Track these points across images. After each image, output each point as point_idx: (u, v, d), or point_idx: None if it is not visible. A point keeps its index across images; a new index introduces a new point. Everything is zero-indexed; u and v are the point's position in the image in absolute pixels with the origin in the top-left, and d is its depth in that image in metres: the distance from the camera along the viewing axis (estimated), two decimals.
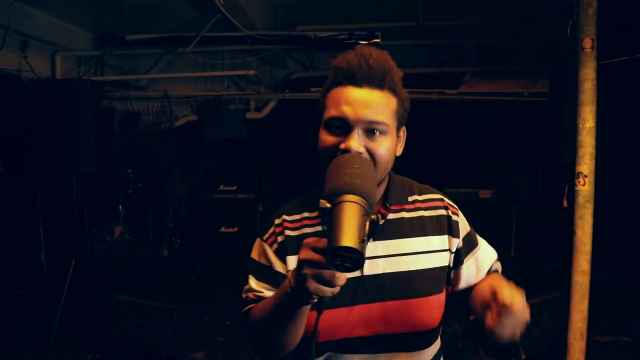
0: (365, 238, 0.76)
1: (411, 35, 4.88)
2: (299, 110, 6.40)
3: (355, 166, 0.87)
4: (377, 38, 4.43)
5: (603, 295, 3.94)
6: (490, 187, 5.92)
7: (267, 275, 1.09)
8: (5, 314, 4.02)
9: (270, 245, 1.11)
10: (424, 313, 1.06)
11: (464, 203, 5.00)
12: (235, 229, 5.62)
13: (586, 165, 2.70)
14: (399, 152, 1.09)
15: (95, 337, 3.38)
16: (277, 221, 1.12)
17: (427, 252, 1.09)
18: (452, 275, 1.14)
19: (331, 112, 1.00)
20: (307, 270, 0.80)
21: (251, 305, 1.07)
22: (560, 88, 3.36)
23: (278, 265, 1.08)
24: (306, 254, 0.81)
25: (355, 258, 0.74)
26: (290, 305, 0.89)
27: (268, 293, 1.07)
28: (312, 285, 0.79)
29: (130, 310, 3.26)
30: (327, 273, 0.78)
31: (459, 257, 1.13)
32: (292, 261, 1.07)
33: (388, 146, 1.01)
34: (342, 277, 0.79)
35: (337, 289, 0.80)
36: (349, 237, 0.74)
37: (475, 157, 6.33)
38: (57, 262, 5.06)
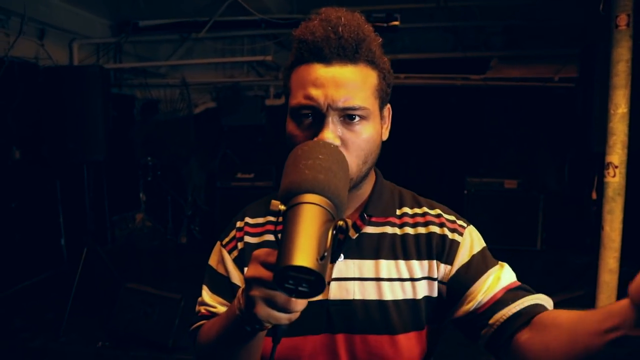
0: (325, 254, 0.58)
1: (433, 17, 4.65)
2: None
3: (320, 157, 0.68)
4: (397, 20, 4.24)
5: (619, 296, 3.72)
6: (516, 177, 5.67)
7: (223, 287, 0.93)
8: (25, 298, 4.09)
9: (230, 252, 0.94)
10: (397, 353, 0.85)
11: (488, 193, 4.78)
12: None
13: (617, 155, 2.49)
14: (385, 136, 0.90)
15: (106, 325, 3.37)
16: (238, 224, 0.97)
17: (408, 280, 0.87)
18: (459, 303, 0.86)
19: (297, 98, 0.82)
20: (255, 292, 0.63)
21: (202, 322, 0.92)
22: (591, 71, 3.12)
23: (236, 277, 0.92)
24: (254, 270, 0.64)
25: (313, 281, 0.57)
26: (241, 331, 0.71)
27: (222, 309, 0.91)
28: (262, 310, 0.63)
29: (139, 299, 3.23)
30: (280, 296, 0.62)
31: (461, 285, 0.86)
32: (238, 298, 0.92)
33: (371, 133, 0.82)
34: (301, 302, 0.63)
35: (295, 315, 0.64)
36: (303, 253, 0.56)
37: (500, 145, 6.07)
38: (76, 248, 5.12)
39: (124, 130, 5.69)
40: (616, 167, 2.51)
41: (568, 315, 0.70)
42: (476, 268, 0.86)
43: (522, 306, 0.80)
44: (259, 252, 0.66)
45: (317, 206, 0.62)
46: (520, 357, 0.75)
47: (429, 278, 0.88)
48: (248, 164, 5.81)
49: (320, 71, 0.80)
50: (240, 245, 0.93)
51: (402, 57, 5.57)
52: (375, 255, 0.87)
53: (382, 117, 0.88)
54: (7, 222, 4.34)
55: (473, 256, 0.87)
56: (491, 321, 0.80)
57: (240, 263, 0.93)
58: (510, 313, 0.79)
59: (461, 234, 0.89)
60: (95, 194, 5.37)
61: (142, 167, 6.10)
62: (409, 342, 0.86)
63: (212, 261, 0.98)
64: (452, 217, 0.92)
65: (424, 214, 0.92)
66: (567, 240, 5.06)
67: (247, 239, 0.93)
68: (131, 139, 5.96)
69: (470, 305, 0.83)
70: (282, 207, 0.64)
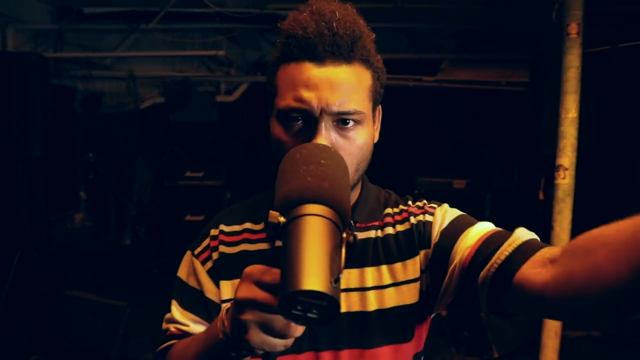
0: (340, 275, 0.51)
1: (390, 18, 4.67)
2: None
3: (323, 161, 0.61)
4: None
5: None
6: (464, 177, 5.81)
7: (195, 302, 0.85)
8: None
9: (203, 263, 0.86)
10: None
11: (438, 192, 4.88)
12: (202, 217, 5.37)
13: (567, 157, 2.57)
14: (376, 138, 0.85)
15: (42, 337, 3.12)
16: (213, 232, 0.89)
17: (394, 285, 0.81)
18: (450, 278, 0.78)
19: (287, 99, 0.75)
20: (249, 316, 0.56)
21: (172, 342, 0.83)
22: (541, 77, 3.23)
23: (210, 291, 0.84)
24: (248, 291, 0.56)
25: (325, 306, 0.50)
26: (224, 357, 0.63)
27: (195, 328, 0.83)
28: (256, 337, 0.56)
29: (80, 307, 3.02)
30: (279, 321, 0.55)
31: (443, 253, 0.79)
32: (226, 288, 0.83)
33: (365, 139, 0.77)
34: (301, 327, 0.56)
35: (291, 341, 0.57)
36: (315, 275, 0.49)
37: (450, 146, 6.21)
38: (7, 253, 4.76)
39: (63, 124, 5.35)
40: (566, 169, 2.58)
41: (600, 232, 0.56)
42: (454, 228, 0.80)
43: (516, 243, 0.71)
44: (252, 270, 0.58)
45: (324, 219, 0.55)
46: (537, 300, 0.63)
47: (412, 281, 0.82)
48: (197, 162, 5.62)
49: (313, 71, 0.73)
50: (215, 255, 0.85)
51: None
52: (361, 262, 0.81)
53: (375, 120, 0.84)
54: None
55: (448, 224, 0.81)
56: (483, 272, 0.70)
57: (215, 275, 0.84)
58: (507, 251, 0.70)
59: (432, 214, 0.84)
60: (31, 192, 5.03)
61: (83, 163, 5.76)
62: (399, 355, 0.81)
63: (182, 273, 0.89)
64: (424, 202, 0.88)
65: (402, 212, 0.87)
66: None
67: (223, 248, 0.86)
68: (72, 133, 5.61)
69: (459, 260, 0.75)
70: (282, 219, 0.56)
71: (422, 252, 0.82)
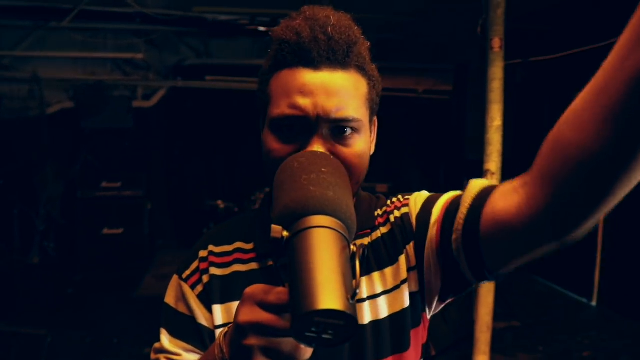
0: (357, 290, 0.47)
1: None
2: (192, 100, 5.98)
3: (324, 169, 0.58)
4: None
5: (496, 285, 4.19)
6: (386, 181, 6.03)
7: (187, 329, 0.78)
8: None
9: (193, 287, 0.79)
10: None
11: None
12: (121, 230, 5.06)
13: (494, 162, 2.76)
14: (372, 149, 0.80)
15: None
16: (201, 254, 0.81)
17: (386, 293, 0.77)
18: (428, 254, 0.74)
19: (281, 107, 0.70)
20: (253, 340, 0.52)
21: None
22: (464, 87, 3.44)
23: (202, 317, 0.78)
24: (251, 314, 0.52)
25: (342, 326, 0.46)
26: None
27: (188, 357, 0.76)
28: None
29: None
30: (287, 345, 0.52)
31: (424, 231, 0.74)
32: (219, 312, 0.77)
33: (363, 148, 0.72)
34: (309, 350, 0.53)
35: None
36: (330, 293, 0.46)
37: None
38: None
39: None
40: (493, 174, 2.77)
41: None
42: (426, 208, 0.76)
43: (481, 188, 0.67)
44: (254, 291, 0.54)
45: (332, 230, 0.51)
46: (512, 228, 0.58)
47: (403, 282, 0.77)
48: (114, 172, 5.27)
49: (308, 77, 0.69)
50: (205, 278, 0.78)
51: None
52: (371, 267, 0.77)
53: (372, 130, 0.80)
54: None
55: (421, 207, 0.77)
56: (454, 233, 0.68)
57: (206, 300, 0.77)
58: (467, 202, 0.66)
59: (407, 205, 0.80)
60: None
61: None
62: (417, 343, 0.78)
63: (170, 299, 0.81)
64: (400, 196, 0.84)
65: (385, 213, 0.82)
66: None
67: (214, 270, 0.78)
68: None
69: (433, 235, 0.72)
70: (286, 234, 0.52)
71: (408, 247, 0.77)
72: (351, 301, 0.47)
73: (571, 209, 0.52)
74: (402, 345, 0.77)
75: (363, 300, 0.77)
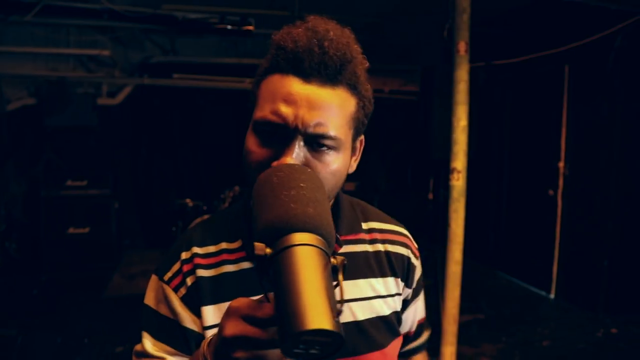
0: (341, 308, 0.50)
1: (285, 24, 4.76)
2: (159, 97, 5.90)
3: (302, 185, 0.58)
4: (250, 25, 4.22)
5: (462, 279, 4.34)
6: (353, 179, 6.13)
7: (171, 332, 0.77)
8: None
9: (176, 290, 0.78)
10: None
11: None
12: (87, 229, 4.96)
13: (460, 161, 2.88)
14: (353, 168, 0.82)
15: None
16: (184, 255, 0.80)
17: (384, 297, 0.84)
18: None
19: (264, 111, 0.71)
20: (240, 354, 0.53)
21: None
22: (431, 88, 3.55)
23: (187, 319, 0.77)
24: (237, 327, 0.53)
25: (329, 342, 0.48)
26: None
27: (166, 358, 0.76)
28: None
29: None
30: (272, 355, 0.53)
31: (405, 306, 0.91)
32: (209, 314, 0.77)
33: (339, 166, 0.74)
34: None
35: None
36: (318, 312, 0.48)
37: None
38: None
39: None
40: (459, 172, 2.89)
41: None
42: (417, 291, 0.93)
43: (419, 343, 0.99)
44: (239, 305, 0.54)
45: (314, 248, 0.53)
46: None
47: (397, 294, 0.87)
48: (80, 170, 5.16)
49: (295, 86, 0.70)
50: (189, 280, 0.78)
51: (246, 61, 5.60)
52: (350, 275, 0.82)
53: (353, 148, 0.80)
54: None
55: (416, 284, 0.92)
56: (406, 348, 0.95)
57: (190, 302, 0.77)
58: (415, 345, 0.98)
59: (417, 258, 0.91)
60: None
61: None
62: (389, 355, 0.84)
63: (149, 300, 0.80)
64: (410, 238, 0.93)
65: (394, 232, 0.91)
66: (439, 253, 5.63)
67: (201, 272, 0.78)
68: None
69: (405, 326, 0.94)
70: (268, 251, 0.53)
71: (405, 288, 0.89)
72: (337, 319, 0.49)
73: None
74: (388, 341, 0.84)
75: (367, 299, 0.82)
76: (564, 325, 3.86)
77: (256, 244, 0.53)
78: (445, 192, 2.99)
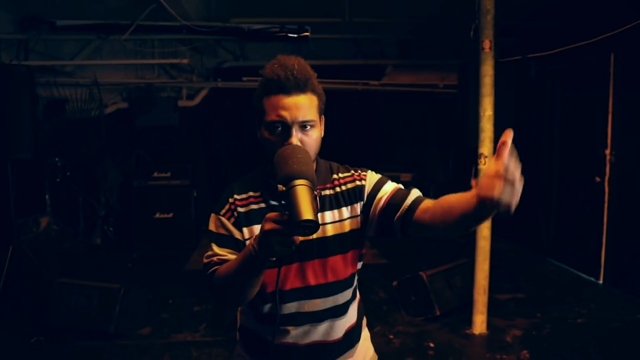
0: (317, 212, 0.99)
1: (338, 29, 5.22)
2: (231, 98, 6.59)
3: (299, 156, 1.07)
4: (307, 32, 4.73)
5: (506, 263, 4.57)
6: (410, 170, 6.48)
7: (229, 242, 1.26)
8: None
9: (228, 219, 1.27)
10: (344, 265, 1.30)
11: None
12: (171, 215, 5.72)
13: (486, 147, 3.20)
14: (322, 134, 1.31)
15: (38, 321, 3.43)
16: (231, 200, 1.30)
17: (342, 221, 1.30)
18: (373, 213, 1.30)
19: (271, 116, 1.20)
20: (273, 238, 0.99)
21: (216, 267, 1.23)
22: (467, 82, 3.85)
23: (237, 234, 1.26)
24: (271, 225, 0.99)
25: (312, 226, 0.95)
26: (254, 265, 1.08)
27: (231, 256, 1.23)
28: (277, 249, 1.00)
29: (74, 292, 3.35)
30: (288, 236, 0.99)
31: (372, 200, 1.30)
32: (245, 232, 1.25)
33: (316, 136, 1.24)
34: (297, 241, 1.00)
35: (290, 250, 1.02)
36: (308, 212, 0.95)
37: (396, 143, 6.87)
38: None
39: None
40: (486, 157, 3.22)
41: (451, 198, 1.15)
42: (376, 186, 1.32)
43: (412, 198, 1.25)
44: (271, 215, 1.01)
45: (306, 186, 1.01)
46: (423, 228, 1.21)
47: (353, 217, 1.31)
48: (164, 163, 5.94)
49: (285, 100, 1.19)
50: (235, 213, 1.27)
51: (308, 63, 6.10)
52: (324, 205, 1.31)
53: (321, 124, 1.29)
54: None
55: (373, 184, 1.33)
56: (398, 214, 1.25)
57: (237, 225, 1.26)
58: (408, 203, 1.24)
59: (365, 179, 1.34)
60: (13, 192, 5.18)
61: (49, 167, 5.93)
62: (348, 258, 1.31)
63: (212, 227, 1.31)
64: (359, 171, 1.37)
65: (346, 177, 1.36)
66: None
67: (239, 209, 1.29)
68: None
69: (379, 205, 1.28)
70: (283, 188, 1.02)
71: (360, 202, 1.32)
72: (316, 216, 0.96)
73: (443, 231, 1.19)
74: (346, 249, 1.31)
75: (328, 223, 1.30)
76: (604, 306, 3.96)
77: (278, 185, 1.03)
78: (475, 176, 3.31)
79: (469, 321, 3.50)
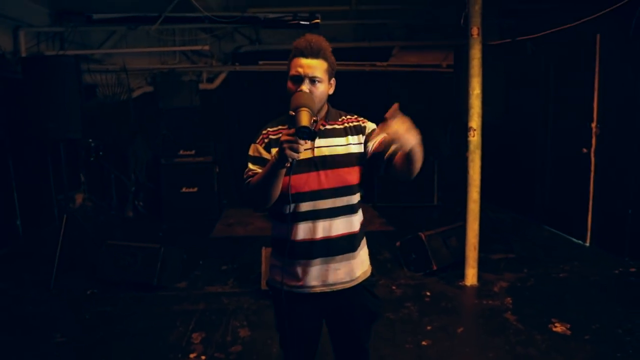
0: (313, 123, 1.49)
1: (347, 16, 5.63)
2: (248, 81, 7.05)
3: (305, 96, 1.56)
4: (318, 19, 5.16)
5: (502, 229, 5.03)
6: None
7: (259, 161, 1.72)
8: None
9: (261, 145, 1.74)
10: (349, 176, 1.72)
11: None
12: (195, 189, 6.28)
13: (475, 121, 3.66)
14: (331, 91, 1.75)
15: (91, 277, 4.02)
16: (264, 132, 1.77)
17: (348, 145, 1.74)
18: (366, 149, 1.74)
19: (292, 72, 1.66)
20: (285, 145, 1.41)
21: (250, 180, 1.69)
22: (461, 63, 4.27)
23: (266, 155, 1.71)
24: (284, 137, 1.44)
25: (309, 131, 1.41)
26: (275, 170, 1.51)
27: (260, 171, 1.68)
28: (288, 152, 1.41)
29: (121, 252, 3.92)
30: (295, 142, 1.42)
31: (366, 141, 1.75)
32: (274, 152, 1.65)
33: (322, 89, 1.68)
34: (302, 148, 1.43)
35: (299, 155, 1.45)
36: (305, 121, 1.43)
37: None
38: (32, 225, 5.53)
39: None
40: (474, 130, 3.67)
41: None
42: (372, 132, 1.75)
43: (394, 148, 1.65)
44: (284, 131, 1.51)
45: (306, 111, 1.47)
46: (394, 170, 1.65)
47: (359, 143, 1.75)
48: (188, 142, 6.46)
49: (302, 61, 1.64)
50: (266, 140, 1.74)
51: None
52: (332, 136, 1.77)
53: (330, 83, 1.73)
54: None
55: (371, 130, 1.76)
56: (385, 156, 1.67)
57: (267, 148, 1.72)
58: (392, 150, 1.65)
59: (365, 123, 1.80)
60: (42, 173, 5.76)
61: (84, 148, 6.48)
62: (352, 171, 1.75)
63: (250, 152, 1.77)
64: (362, 119, 1.82)
65: (353, 120, 1.83)
66: (455, 196, 6.31)
67: (270, 136, 1.76)
68: None
69: (374, 146, 1.71)
70: (293, 113, 1.49)
71: (362, 136, 1.76)
72: (312, 125, 1.44)
73: (400, 174, 1.64)
74: (351, 164, 1.76)
75: (340, 145, 1.75)
76: (587, 263, 4.40)
77: (290, 111, 1.52)
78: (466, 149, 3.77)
79: (462, 276, 4.00)
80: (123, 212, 6.64)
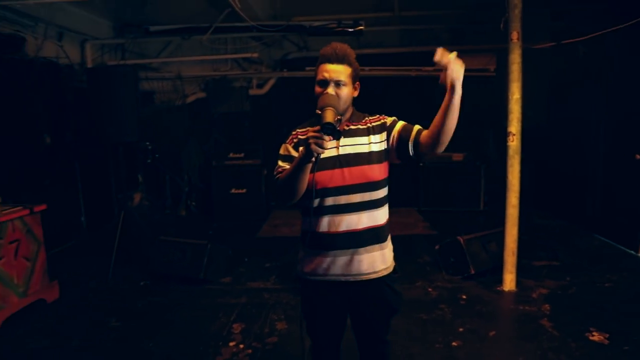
0: (338, 122, 1.62)
1: (391, 22, 5.72)
2: (295, 86, 7.25)
3: (330, 97, 1.73)
4: (361, 26, 5.28)
5: (547, 235, 4.93)
6: (462, 150, 6.85)
7: (288, 159, 1.85)
8: (58, 261, 4.88)
9: (290, 144, 1.88)
10: (371, 172, 1.83)
11: (439, 165, 6.20)
12: (244, 190, 6.56)
13: (514, 126, 3.65)
14: (356, 94, 1.90)
15: (144, 270, 4.33)
16: (293, 132, 1.92)
17: (371, 143, 1.86)
18: (392, 141, 1.86)
19: (319, 76, 1.83)
20: (311, 140, 1.56)
21: (279, 176, 1.82)
22: (503, 68, 4.24)
23: (294, 153, 1.85)
24: (310, 133, 1.59)
25: (332, 128, 1.56)
26: (301, 164, 1.64)
27: (288, 167, 1.82)
28: (313, 147, 1.56)
29: (172, 247, 4.21)
30: (320, 138, 1.57)
31: (390, 132, 1.87)
32: (301, 150, 1.74)
33: (346, 92, 1.83)
34: (327, 145, 1.58)
35: (324, 151, 1.59)
36: (329, 118, 1.58)
37: None
38: (94, 221, 5.99)
39: None
40: (514, 135, 3.66)
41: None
42: (392, 124, 1.89)
43: (417, 127, 1.84)
44: (310, 129, 1.62)
45: (331, 110, 1.64)
46: (427, 145, 1.75)
47: (382, 141, 1.87)
48: (238, 146, 6.76)
49: (328, 66, 1.82)
50: (295, 140, 1.89)
51: (366, 51, 6.66)
52: (356, 136, 1.89)
53: (354, 87, 1.88)
54: (41, 197, 5.15)
55: (390, 122, 1.90)
56: (410, 138, 1.82)
57: (295, 147, 1.86)
58: (415, 130, 1.82)
59: (385, 120, 1.92)
60: (104, 174, 6.22)
61: (141, 150, 6.93)
62: (375, 168, 1.85)
63: (282, 151, 1.90)
64: (382, 116, 1.94)
65: (374, 120, 1.90)
66: (502, 201, 6.20)
67: (299, 137, 1.90)
68: None
69: (396, 135, 1.85)
70: (319, 112, 1.65)
71: (384, 133, 1.88)
72: (335, 122, 1.60)
73: (434, 147, 1.75)
74: (374, 162, 1.87)
75: (365, 144, 1.87)
76: (636, 274, 4.22)
77: (317, 110, 1.68)
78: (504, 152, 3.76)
79: (500, 281, 3.97)
80: (177, 211, 7.02)
